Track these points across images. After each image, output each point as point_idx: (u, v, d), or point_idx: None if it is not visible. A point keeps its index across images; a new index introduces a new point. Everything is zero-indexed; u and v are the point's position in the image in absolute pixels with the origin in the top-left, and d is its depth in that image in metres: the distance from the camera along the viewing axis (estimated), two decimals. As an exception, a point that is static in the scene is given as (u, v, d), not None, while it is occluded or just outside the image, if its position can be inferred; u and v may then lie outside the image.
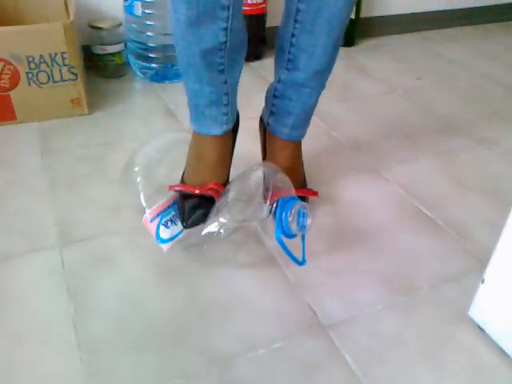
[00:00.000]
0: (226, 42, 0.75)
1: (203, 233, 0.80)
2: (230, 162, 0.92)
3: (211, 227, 0.80)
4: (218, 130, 0.86)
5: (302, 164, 0.99)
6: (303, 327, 0.75)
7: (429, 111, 1.42)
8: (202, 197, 0.85)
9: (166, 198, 0.88)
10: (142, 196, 0.88)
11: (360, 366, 0.70)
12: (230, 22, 0.73)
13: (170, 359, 0.70)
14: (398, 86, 1.57)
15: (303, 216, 0.80)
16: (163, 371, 0.68)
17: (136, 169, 0.92)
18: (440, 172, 1.14)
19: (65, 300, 0.78)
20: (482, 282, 0.74)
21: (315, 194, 0.97)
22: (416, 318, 0.78)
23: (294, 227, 0.79)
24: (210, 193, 0.85)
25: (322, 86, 0.89)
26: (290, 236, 0.80)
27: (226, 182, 0.90)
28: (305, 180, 1.00)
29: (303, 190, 0.96)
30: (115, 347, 0.71)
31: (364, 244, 0.92)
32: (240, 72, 0.85)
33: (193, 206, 0.85)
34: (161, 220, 0.85)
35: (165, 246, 0.84)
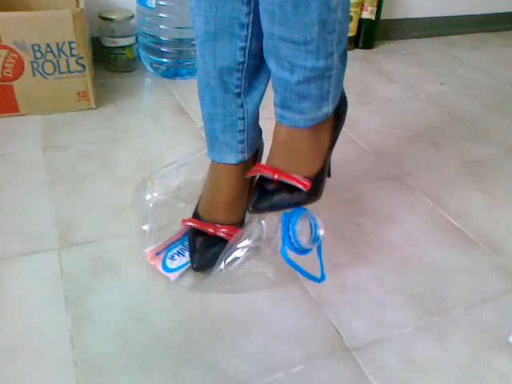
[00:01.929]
0: (243, 63, 0.70)
1: (227, 261, 0.74)
2: (248, 196, 0.82)
3: (236, 253, 0.74)
4: (232, 158, 0.78)
5: (309, 149, 0.73)
6: (326, 349, 0.68)
7: (454, 118, 1.35)
8: (214, 236, 0.78)
9: (174, 233, 0.81)
10: (147, 229, 0.81)
11: (390, 396, 0.62)
12: (248, 41, 0.68)
13: (177, 381, 0.62)
14: (419, 90, 1.49)
15: (315, 227, 0.73)
16: (169, 395, 0.61)
17: (148, 197, 0.84)
18: (469, 182, 1.06)
19: (62, 309, 0.70)
20: (528, 305, 0.66)
21: (303, 185, 0.71)
22: (450, 342, 0.70)
23: (304, 240, 0.72)
24: (222, 235, 0.78)
25: (298, 60, 0.64)
26: (303, 252, 0.73)
27: (241, 221, 0.82)
28: (319, 173, 0.75)
29: (288, 176, 0.72)
30: (116, 365, 0.63)
31: (391, 257, 0.84)
32: (260, 99, 0.77)
33: (204, 245, 0.77)
34: (167, 254, 0.78)
35: (172, 275, 0.76)
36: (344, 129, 1.23)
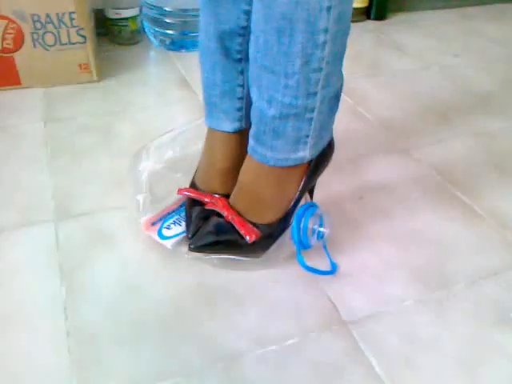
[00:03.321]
0: (246, 28, 0.67)
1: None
2: None
3: None
4: (229, 125, 0.75)
5: (272, 194, 0.70)
6: (322, 323, 0.66)
7: (466, 90, 1.30)
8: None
9: (170, 203, 0.79)
10: (141, 199, 0.78)
11: (386, 370, 0.61)
12: (253, 4, 0.64)
13: (169, 353, 0.62)
14: (432, 62, 1.44)
15: (320, 225, 0.72)
16: (160, 366, 0.60)
17: (143, 166, 0.82)
18: (478, 155, 1.03)
19: (57, 281, 0.70)
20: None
21: (249, 236, 0.69)
22: (452, 318, 0.68)
23: (313, 241, 0.72)
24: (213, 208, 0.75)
25: (277, 93, 0.61)
26: (306, 247, 0.72)
27: None
28: (276, 223, 0.71)
29: (240, 221, 0.70)
30: (108, 337, 0.63)
31: (393, 231, 0.82)
32: None
33: (200, 216, 0.74)
34: (163, 224, 0.76)
35: (168, 242, 0.74)
36: (351, 101, 1.20)
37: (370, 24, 1.70)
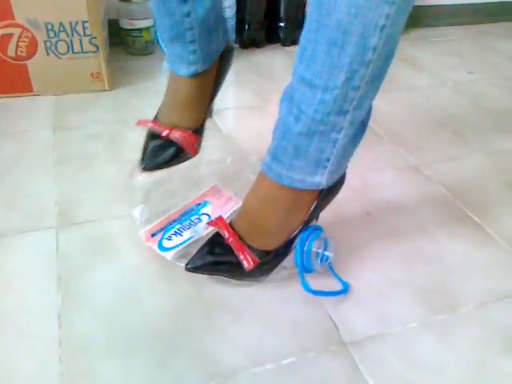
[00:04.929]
0: None
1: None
2: (210, 102, 0.82)
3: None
4: (185, 70, 0.76)
5: (277, 223, 0.68)
6: (321, 342, 0.64)
7: (480, 108, 1.27)
8: (168, 140, 0.78)
9: (170, 213, 0.79)
10: (140, 210, 0.78)
11: (386, 395, 0.59)
12: None
13: (163, 368, 0.60)
14: (447, 79, 1.42)
15: (325, 248, 0.70)
16: (153, 381, 0.59)
17: (139, 179, 0.82)
18: (491, 174, 1.00)
19: (53, 288, 0.69)
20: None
21: (247, 263, 0.67)
22: (458, 342, 0.65)
23: (317, 266, 0.70)
24: (175, 140, 0.78)
25: (309, 108, 0.58)
26: (309, 271, 0.70)
27: (199, 127, 0.81)
28: (275, 251, 0.69)
29: (240, 247, 0.67)
30: (101, 348, 0.62)
31: (400, 250, 0.80)
32: (211, 3, 0.71)
33: (156, 148, 0.78)
34: (164, 235, 0.75)
35: (169, 254, 0.73)
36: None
37: (385, 39, 1.69)
